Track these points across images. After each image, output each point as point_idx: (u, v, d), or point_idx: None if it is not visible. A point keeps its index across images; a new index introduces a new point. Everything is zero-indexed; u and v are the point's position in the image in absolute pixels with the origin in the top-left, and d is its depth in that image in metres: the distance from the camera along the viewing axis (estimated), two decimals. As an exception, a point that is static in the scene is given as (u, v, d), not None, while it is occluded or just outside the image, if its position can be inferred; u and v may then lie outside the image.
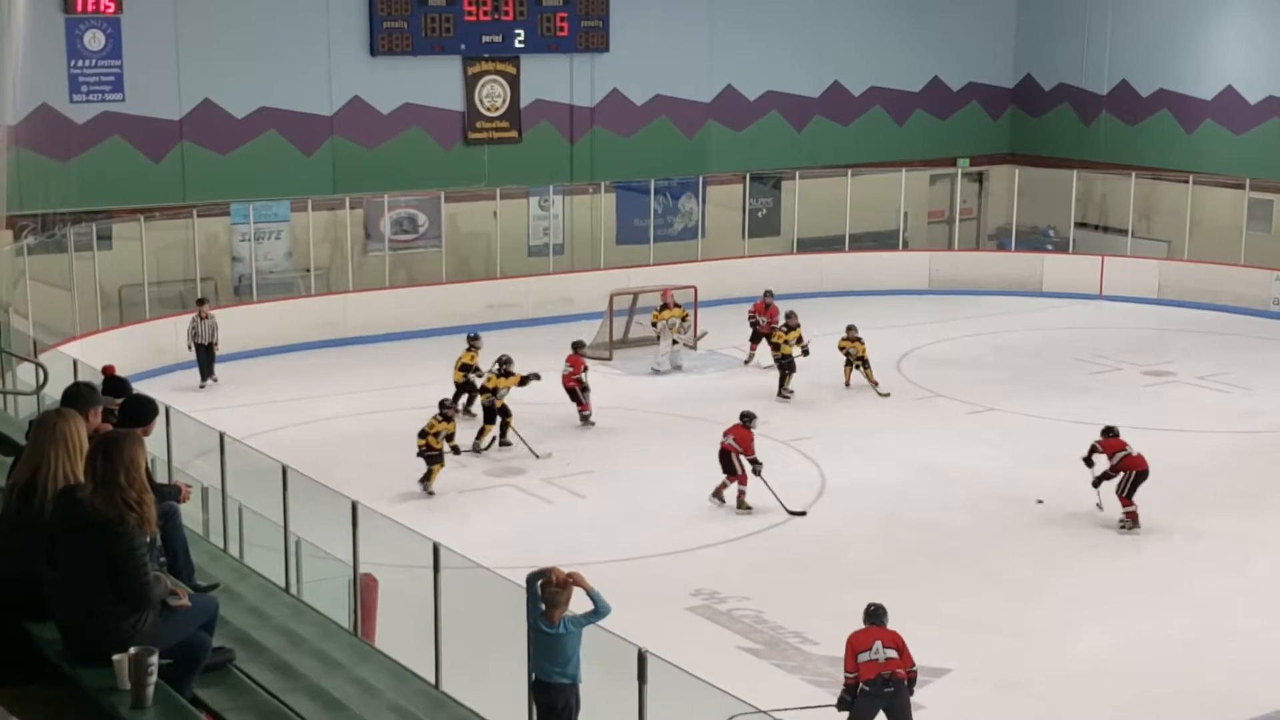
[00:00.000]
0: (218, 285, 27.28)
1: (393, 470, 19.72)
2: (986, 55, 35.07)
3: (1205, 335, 28.02)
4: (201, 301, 24.64)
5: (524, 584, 9.94)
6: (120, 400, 9.32)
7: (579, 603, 9.93)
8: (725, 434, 18.45)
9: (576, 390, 21.98)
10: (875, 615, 12.05)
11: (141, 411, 8.70)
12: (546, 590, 9.77)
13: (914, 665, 11.88)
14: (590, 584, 9.88)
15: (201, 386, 23.77)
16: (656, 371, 25.04)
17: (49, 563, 6.56)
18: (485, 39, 29.35)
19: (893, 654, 11.73)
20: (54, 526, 6.51)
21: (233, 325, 25.14)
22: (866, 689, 11.65)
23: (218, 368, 24.11)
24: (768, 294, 25.66)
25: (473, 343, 22.17)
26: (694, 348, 25.98)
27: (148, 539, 6.50)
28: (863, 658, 11.69)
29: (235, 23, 27.20)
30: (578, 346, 22.45)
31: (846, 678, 11.78)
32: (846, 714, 11.84)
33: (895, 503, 18.71)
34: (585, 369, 22.16)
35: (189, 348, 24.03)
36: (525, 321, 28.05)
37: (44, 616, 6.61)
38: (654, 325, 25.62)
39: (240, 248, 27.42)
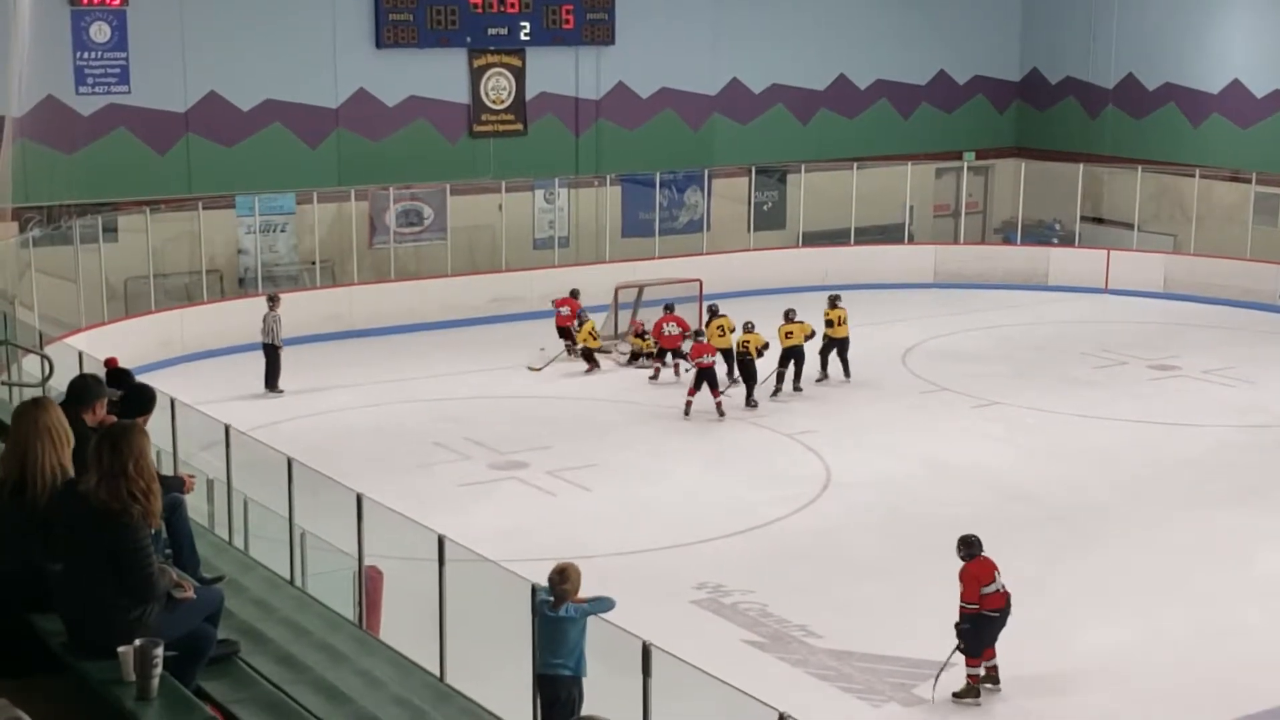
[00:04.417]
0: (223, 278, 27.31)
1: (398, 462, 19.75)
2: (992, 49, 35.04)
3: (1210, 329, 27.98)
4: (271, 298, 23.82)
5: (528, 577, 10.00)
6: (121, 393, 9.33)
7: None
8: None
9: (570, 329, 25.21)
10: (979, 544, 13.02)
11: (142, 401, 8.73)
12: (555, 589, 9.92)
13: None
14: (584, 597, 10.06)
15: (271, 392, 23.26)
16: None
17: (49, 555, 6.57)
18: (491, 31, 29.36)
19: (1004, 582, 12.91)
20: (56, 519, 6.52)
21: (237, 318, 25.18)
22: (993, 615, 12.86)
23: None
24: (697, 333, 24.12)
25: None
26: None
27: (153, 531, 6.51)
28: (987, 590, 12.81)
29: (241, 15, 27.22)
30: (575, 293, 25.91)
31: (967, 608, 12.86)
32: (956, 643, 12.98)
33: (899, 496, 18.72)
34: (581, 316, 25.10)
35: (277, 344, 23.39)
36: (530, 314, 28.04)
37: (48, 609, 6.62)
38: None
39: (246, 240, 27.45)
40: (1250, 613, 15.17)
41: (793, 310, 23.49)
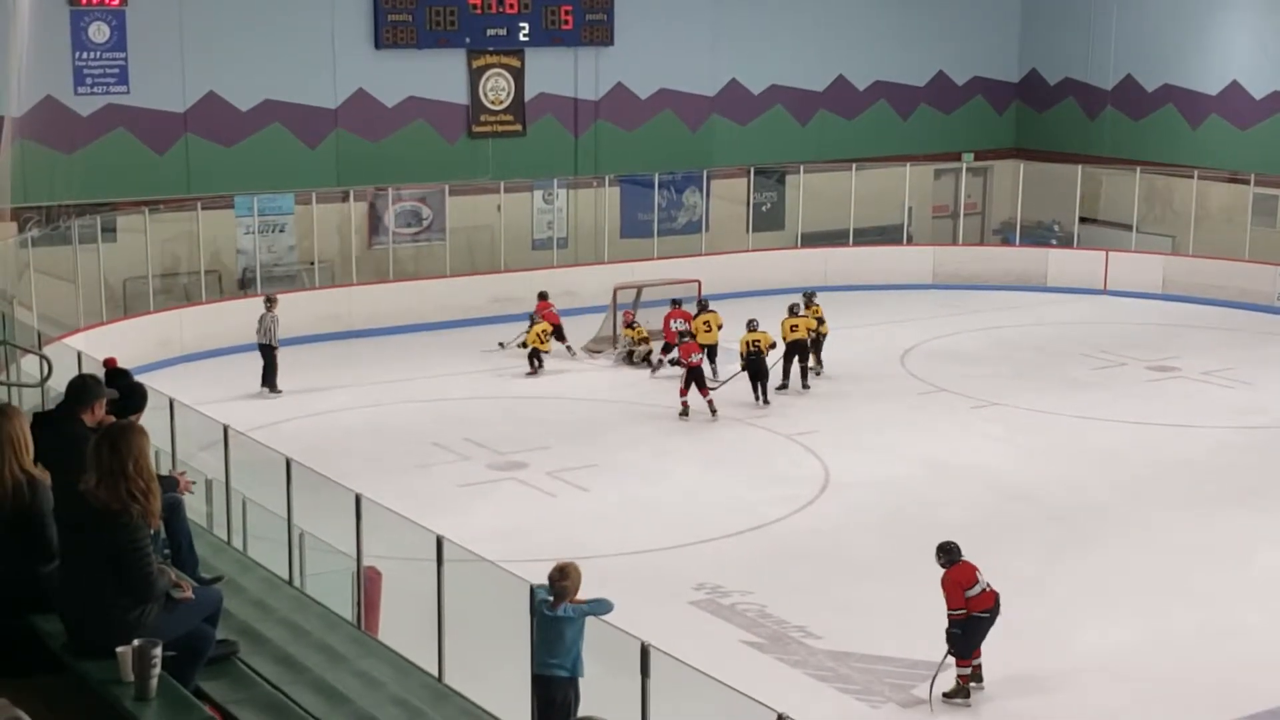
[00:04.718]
0: (222, 278, 27.29)
1: (396, 463, 19.74)
2: (991, 49, 35.04)
3: (1209, 330, 27.99)
4: (269, 299, 23.79)
5: (526, 577, 9.99)
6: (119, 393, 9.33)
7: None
8: None
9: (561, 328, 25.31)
10: (958, 550, 13.04)
11: (134, 399, 8.74)
12: (554, 586, 9.91)
13: None
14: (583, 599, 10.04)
15: (270, 392, 23.27)
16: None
17: (23, 557, 6.59)
18: (490, 32, 29.36)
19: (988, 581, 13.00)
20: (26, 522, 6.53)
21: (236, 318, 25.15)
22: (983, 615, 12.96)
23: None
24: (685, 333, 23.90)
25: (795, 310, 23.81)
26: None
27: (151, 531, 6.51)
28: (971, 592, 12.90)
29: (240, 15, 27.21)
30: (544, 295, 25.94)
31: (955, 614, 12.90)
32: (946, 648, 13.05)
33: (899, 496, 18.71)
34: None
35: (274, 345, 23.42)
36: (528, 315, 28.04)
37: (47, 609, 6.62)
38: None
39: (244, 240, 27.43)
40: (1250, 613, 15.18)
41: (797, 305, 23.66)
